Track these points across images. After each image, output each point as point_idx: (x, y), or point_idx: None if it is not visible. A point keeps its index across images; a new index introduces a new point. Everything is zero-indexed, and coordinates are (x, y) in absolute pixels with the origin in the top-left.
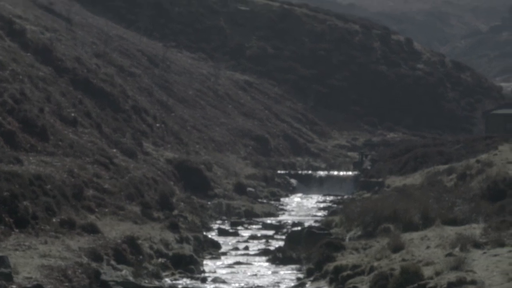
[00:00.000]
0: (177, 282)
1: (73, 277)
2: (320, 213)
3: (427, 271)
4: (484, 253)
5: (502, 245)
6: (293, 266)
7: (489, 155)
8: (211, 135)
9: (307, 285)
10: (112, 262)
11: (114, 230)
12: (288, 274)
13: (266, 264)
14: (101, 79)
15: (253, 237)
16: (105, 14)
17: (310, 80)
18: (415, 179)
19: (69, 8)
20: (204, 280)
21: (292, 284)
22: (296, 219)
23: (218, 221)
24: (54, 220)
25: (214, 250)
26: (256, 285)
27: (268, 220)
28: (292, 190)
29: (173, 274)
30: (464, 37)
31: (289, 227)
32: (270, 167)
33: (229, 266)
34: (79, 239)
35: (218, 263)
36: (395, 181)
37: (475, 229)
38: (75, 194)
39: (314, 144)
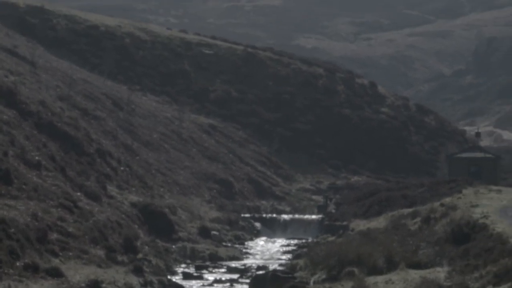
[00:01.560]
0: None
1: None
2: (284, 257)
3: None
4: None
5: None
6: None
7: (453, 199)
8: (176, 179)
9: None
10: None
11: (78, 274)
12: None
13: None
14: (66, 123)
15: (218, 281)
16: (69, 57)
17: (274, 124)
18: (379, 222)
19: (33, 51)
20: None
21: None
22: (260, 262)
23: (183, 265)
24: (17, 263)
25: None
26: None
27: (233, 264)
28: (257, 234)
29: None
30: (427, 80)
31: (253, 270)
32: (234, 210)
33: None
34: (43, 283)
35: None
36: (360, 225)
37: (440, 273)
38: (39, 237)
39: (278, 188)
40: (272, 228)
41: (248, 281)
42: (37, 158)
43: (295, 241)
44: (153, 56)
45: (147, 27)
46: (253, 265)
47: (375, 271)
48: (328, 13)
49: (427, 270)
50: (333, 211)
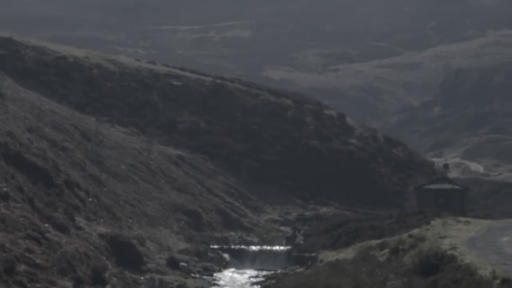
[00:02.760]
0: None
1: None
2: None
3: None
4: None
5: None
6: None
7: (421, 230)
8: (144, 210)
9: None
10: None
11: None
12: None
13: None
14: (34, 154)
15: None
16: (37, 89)
17: (242, 155)
18: (348, 253)
19: (1, 82)
20: None
21: None
22: None
23: None
24: None
25: None
26: None
27: None
28: (225, 265)
29: None
30: (396, 112)
31: None
32: (203, 241)
33: None
34: None
35: None
36: (328, 256)
37: None
38: (7, 269)
39: (247, 219)
40: (240, 259)
41: None
42: (4, 189)
43: (264, 273)
44: (122, 87)
45: (116, 58)
46: None
47: None
48: (297, 44)
49: None
50: (302, 242)
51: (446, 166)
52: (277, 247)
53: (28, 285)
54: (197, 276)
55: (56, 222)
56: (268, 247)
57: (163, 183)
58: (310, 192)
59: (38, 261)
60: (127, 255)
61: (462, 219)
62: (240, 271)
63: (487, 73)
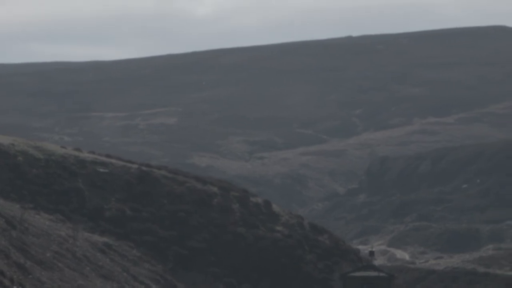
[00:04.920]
0: None
1: None
2: None
3: None
4: None
5: None
6: None
7: None
8: None
9: None
10: None
11: None
12: None
13: None
14: None
15: None
16: None
17: (169, 242)
18: None
19: None
20: None
21: None
22: None
23: None
24: None
25: None
26: None
27: None
28: None
29: None
30: (321, 199)
31: None
32: None
33: None
34: None
35: None
36: None
37: None
38: None
39: None
40: None
41: None
42: None
43: None
44: (47, 174)
45: (41, 145)
46: None
47: None
48: (223, 132)
49: None
50: None
51: (371, 253)
52: None
53: None
54: None
55: None
56: None
57: (88, 270)
58: (236, 280)
59: None
60: None
61: None
62: None
63: (412, 161)
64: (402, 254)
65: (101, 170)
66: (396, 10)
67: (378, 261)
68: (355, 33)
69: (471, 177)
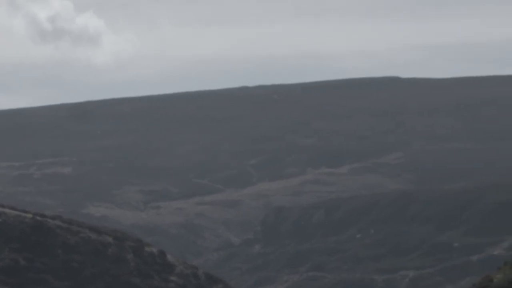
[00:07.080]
0: None
1: None
2: None
3: None
4: None
5: None
6: None
7: None
8: None
9: None
10: None
11: None
12: None
13: None
14: None
15: None
16: None
17: None
18: None
19: None
20: None
21: None
22: None
23: None
24: None
25: None
26: None
27: None
28: None
29: None
30: (216, 249)
31: None
32: None
33: None
34: None
35: None
36: None
37: None
38: None
39: None
40: None
41: None
42: None
43: None
44: None
45: None
46: None
47: None
48: (117, 181)
49: None
50: None
51: None
52: None
53: None
54: None
55: None
56: None
57: None
58: None
59: None
60: None
61: None
62: None
63: (307, 211)
64: None
65: None
66: (293, 60)
67: None
68: (251, 83)
69: (366, 226)
